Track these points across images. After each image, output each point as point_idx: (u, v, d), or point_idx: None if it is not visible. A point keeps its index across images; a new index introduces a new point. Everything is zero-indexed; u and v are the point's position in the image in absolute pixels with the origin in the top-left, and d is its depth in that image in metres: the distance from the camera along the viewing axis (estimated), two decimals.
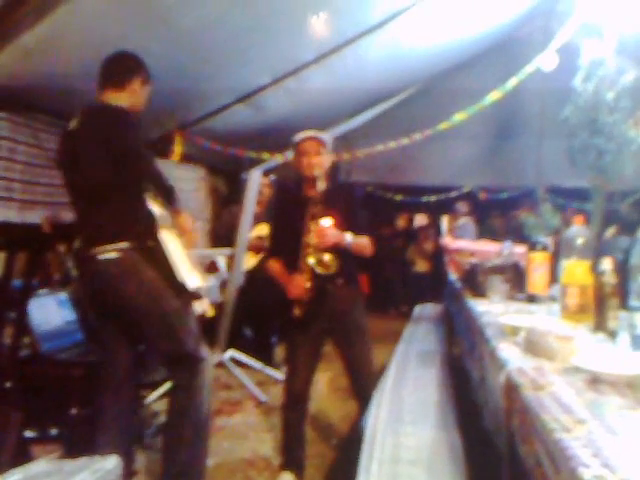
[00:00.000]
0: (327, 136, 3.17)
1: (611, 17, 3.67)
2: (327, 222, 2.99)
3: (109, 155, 2.56)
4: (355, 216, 3.15)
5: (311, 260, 2.96)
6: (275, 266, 3.15)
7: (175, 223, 2.79)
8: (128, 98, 2.73)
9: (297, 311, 2.98)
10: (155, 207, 2.72)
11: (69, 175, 2.74)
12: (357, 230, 3.06)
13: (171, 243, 2.70)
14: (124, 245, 2.57)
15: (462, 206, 8.78)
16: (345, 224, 3.02)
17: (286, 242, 3.07)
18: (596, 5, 3.76)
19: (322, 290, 3.00)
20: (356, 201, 3.39)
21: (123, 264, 2.58)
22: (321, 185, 3.08)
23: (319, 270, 2.95)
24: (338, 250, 2.98)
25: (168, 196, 2.74)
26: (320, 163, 3.06)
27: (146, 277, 2.59)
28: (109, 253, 2.57)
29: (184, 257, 2.77)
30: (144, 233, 2.59)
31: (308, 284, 2.95)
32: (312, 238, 2.96)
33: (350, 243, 3.00)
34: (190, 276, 2.69)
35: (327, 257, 2.95)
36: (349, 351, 3.13)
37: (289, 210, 3.14)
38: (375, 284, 8.92)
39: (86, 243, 2.66)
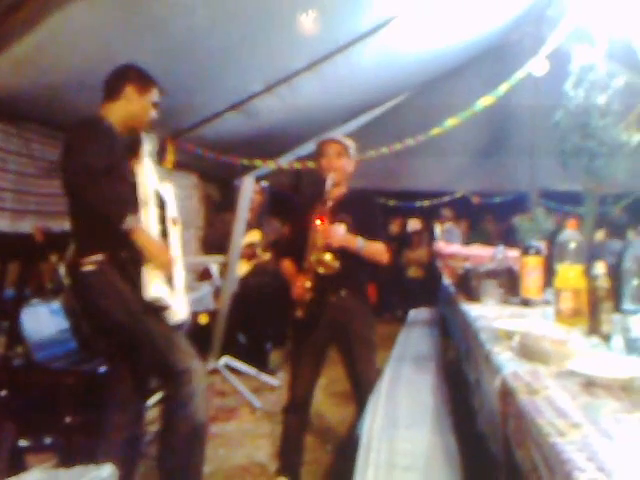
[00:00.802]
0: (350, 141, 3.16)
1: (601, 22, 3.69)
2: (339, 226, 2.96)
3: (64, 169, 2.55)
4: (374, 223, 3.13)
5: (311, 259, 2.92)
6: (287, 266, 3.14)
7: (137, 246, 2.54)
8: (123, 106, 2.72)
9: (299, 312, 2.95)
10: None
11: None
12: (374, 237, 3.03)
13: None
14: (99, 257, 2.54)
15: (447, 212, 8.92)
16: (362, 230, 3.00)
17: (297, 243, 3.04)
18: (586, 11, 3.78)
19: (323, 298, 2.98)
20: (377, 208, 3.34)
21: (98, 277, 2.55)
22: (339, 189, 3.08)
23: (319, 270, 2.91)
24: (345, 253, 2.94)
25: (114, 218, 2.47)
26: (339, 166, 3.05)
27: (120, 290, 2.55)
28: (88, 266, 2.55)
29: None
30: (117, 244, 2.52)
31: (308, 284, 2.91)
32: (318, 238, 2.92)
33: (362, 247, 2.96)
34: (150, 286, 2.52)
35: (327, 257, 2.90)
36: (351, 362, 3.09)
37: (304, 211, 3.10)
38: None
39: (74, 254, 2.65)
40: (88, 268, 2.55)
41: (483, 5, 4.39)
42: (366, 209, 3.18)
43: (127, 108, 2.74)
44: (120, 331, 2.65)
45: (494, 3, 4.52)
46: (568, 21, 3.94)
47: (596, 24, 3.72)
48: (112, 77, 2.74)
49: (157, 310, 2.55)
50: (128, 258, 2.53)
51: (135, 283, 2.52)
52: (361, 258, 3.00)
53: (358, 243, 2.96)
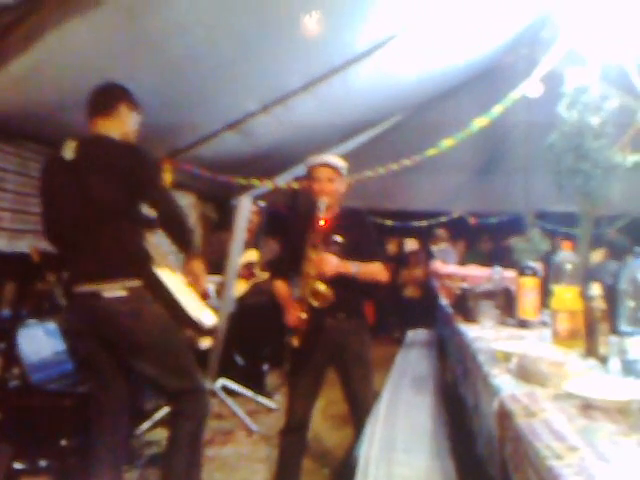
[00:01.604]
0: (341, 161, 3.11)
1: (595, 45, 3.73)
2: (332, 251, 2.91)
3: (121, 184, 2.58)
4: (369, 241, 3.08)
5: (306, 290, 2.87)
6: (281, 288, 3.12)
7: (188, 269, 2.77)
8: (117, 124, 2.76)
9: (295, 341, 2.92)
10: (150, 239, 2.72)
11: (59, 205, 2.70)
12: (371, 256, 2.99)
13: (169, 278, 2.70)
14: (133, 284, 2.57)
15: (440, 232, 9.00)
16: (357, 250, 2.96)
17: (290, 263, 3.03)
18: (580, 33, 3.82)
19: (319, 323, 2.92)
20: (370, 226, 3.26)
21: (133, 302, 2.58)
22: (331, 210, 3.02)
23: (314, 303, 2.85)
24: (340, 281, 2.87)
25: (187, 239, 2.73)
26: (331, 190, 3.00)
27: (155, 314, 2.62)
28: (117, 291, 2.56)
29: (189, 292, 2.77)
30: (147, 268, 2.60)
31: (304, 315, 2.87)
32: (312, 267, 2.88)
33: (357, 271, 2.91)
34: (204, 313, 2.73)
35: (322, 288, 2.83)
36: (348, 383, 3.07)
37: (298, 233, 3.06)
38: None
39: (83, 277, 2.63)
40: (119, 294, 2.56)
41: (479, 27, 4.43)
42: (359, 228, 3.13)
43: (121, 126, 2.77)
44: (149, 355, 2.67)
45: (489, 25, 4.56)
46: (562, 43, 3.97)
47: (590, 46, 3.76)
48: (104, 94, 2.77)
49: (202, 335, 2.67)
50: (157, 282, 2.62)
51: (168, 307, 2.63)
52: (357, 282, 2.95)
53: (353, 268, 2.91)
